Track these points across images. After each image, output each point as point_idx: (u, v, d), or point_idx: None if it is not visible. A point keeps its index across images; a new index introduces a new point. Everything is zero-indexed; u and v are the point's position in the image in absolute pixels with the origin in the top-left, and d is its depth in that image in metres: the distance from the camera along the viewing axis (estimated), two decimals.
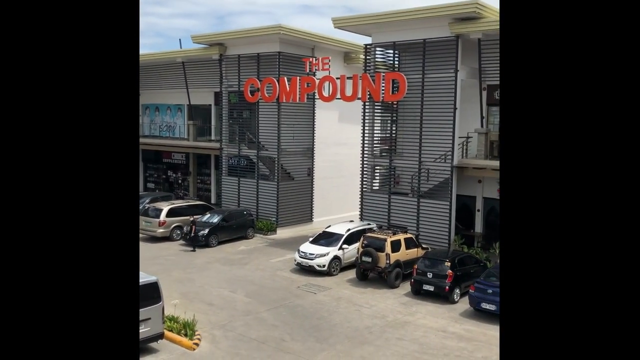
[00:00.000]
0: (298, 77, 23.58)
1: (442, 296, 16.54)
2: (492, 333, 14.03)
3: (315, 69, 23.09)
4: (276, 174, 25.88)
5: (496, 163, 19.66)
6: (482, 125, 20.58)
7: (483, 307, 15.01)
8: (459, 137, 20.53)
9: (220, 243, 23.39)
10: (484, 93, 20.79)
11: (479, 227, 21.81)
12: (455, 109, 20.18)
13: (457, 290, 16.64)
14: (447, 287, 16.35)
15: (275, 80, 24.34)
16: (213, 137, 30.38)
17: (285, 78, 24.02)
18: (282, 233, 25.60)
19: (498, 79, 20.23)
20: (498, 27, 18.96)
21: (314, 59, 23.29)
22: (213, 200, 30.67)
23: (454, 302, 16.45)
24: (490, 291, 14.92)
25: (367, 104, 22.51)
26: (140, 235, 23.06)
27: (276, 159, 25.78)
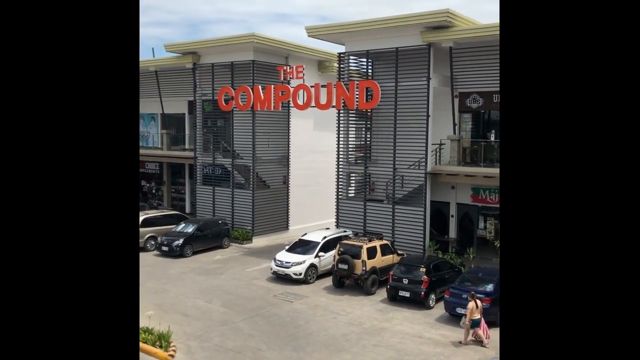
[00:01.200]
0: (272, 86, 23.61)
1: (417, 302, 16.66)
2: (467, 338, 14.17)
3: (290, 78, 23.15)
4: (251, 183, 25.79)
5: (468, 169, 19.97)
6: (454, 132, 20.88)
7: (458, 312, 15.14)
8: (432, 144, 20.79)
9: (195, 253, 23.17)
10: (456, 100, 21.11)
11: (453, 233, 22.06)
12: (428, 116, 20.44)
13: (433, 296, 16.78)
14: (422, 293, 16.48)
15: (250, 89, 24.32)
16: (187, 146, 30.15)
17: (260, 86, 24.02)
18: (258, 242, 25.50)
19: (469, 86, 20.71)
20: (468, 35, 19.42)
21: (288, 67, 23.36)
22: (188, 210, 30.39)
23: (429, 307, 16.58)
24: (465, 296, 15.07)
25: (341, 111, 22.65)
26: None
27: (251, 167, 25.71)
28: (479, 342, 13.94)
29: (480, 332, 13.86)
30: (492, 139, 20.90)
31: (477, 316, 13.84)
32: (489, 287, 15.37)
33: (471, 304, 13.85)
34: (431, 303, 16.69)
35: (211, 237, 24.10)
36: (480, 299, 14.87)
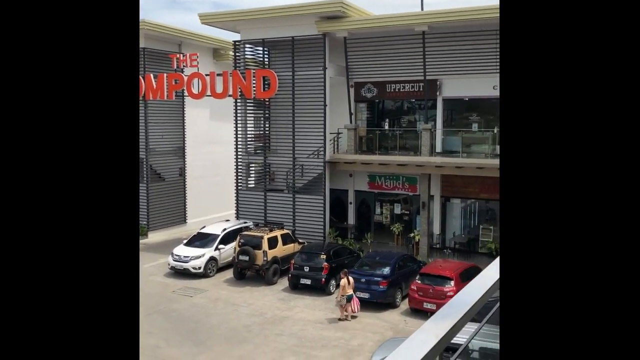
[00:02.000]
0: (165, 74, 22.70)
1: (318, 288, 16.91)
2: (366, 321, 14.63)
3: (183, 66, 22.39)
4: (145, 175, 24.70)
5: (365, 157, 20.54)
6: (350, 122, 21.35)
7: (357, 295, 15.56)
8: (330, 133, 21.11)
9: None
10: (352, 90, 21.58)
11: (351, 219, 22.63)
12: (325, 105, 20.70)
13: (333, 282, 17.09)
14: (323, 280, 16.75)
15: (141, 78, 23.19)
16: None
17: (152, 75, 22.99)
18: (154, 237, 24.53)
19: (364, 76, 21.24)
20: (362, 26, 19.83)
21: (182, 55, 22.57)
22: None
23: (330, 293, 16.88)
24: (363, 280, 15.54)
25: (238, 101, 22.30)
26: None
27: (144, 160, 24.61)
28: (353, 317, 14.73)
29: (349, 307, 14.64)
30: (386, 127, 21.63)
31: (350, 292, 14.61)
32: (386, 270, 15.95)
33: (343, 281, 14.65)
34: (332, 289, 16.99)
35: None
36: (378, 281, 15.45)
